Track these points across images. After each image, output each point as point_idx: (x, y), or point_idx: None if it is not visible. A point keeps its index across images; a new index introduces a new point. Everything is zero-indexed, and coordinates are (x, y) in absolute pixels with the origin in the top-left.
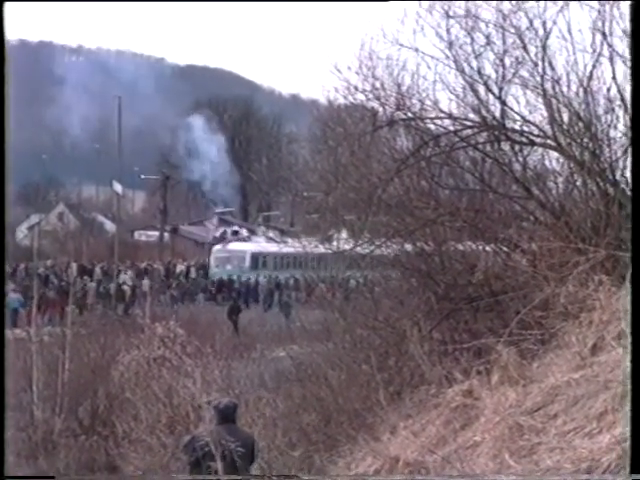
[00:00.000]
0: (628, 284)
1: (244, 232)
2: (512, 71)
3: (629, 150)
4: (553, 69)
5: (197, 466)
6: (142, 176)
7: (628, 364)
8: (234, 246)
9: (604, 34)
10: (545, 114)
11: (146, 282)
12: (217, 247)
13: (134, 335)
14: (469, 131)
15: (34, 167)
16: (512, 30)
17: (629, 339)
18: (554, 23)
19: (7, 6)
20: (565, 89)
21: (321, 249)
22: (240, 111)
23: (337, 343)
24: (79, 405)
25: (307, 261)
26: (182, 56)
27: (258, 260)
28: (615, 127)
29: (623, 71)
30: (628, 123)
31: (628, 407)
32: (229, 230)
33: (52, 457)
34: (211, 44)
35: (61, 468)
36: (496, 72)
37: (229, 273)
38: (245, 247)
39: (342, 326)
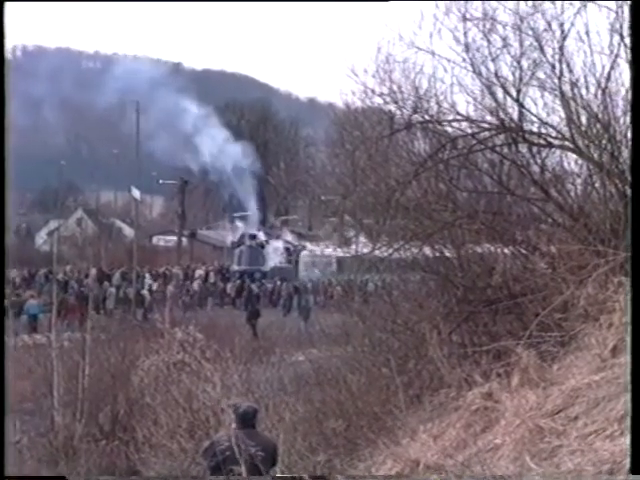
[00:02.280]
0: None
1: (262, 236)
2: (529, 73)
3: None
4: (571, 71)
5: (217, 471)
6: (160, 181)
7: None
8: (320, 251)
9: (622, 35)
10: (563, 116)
11: (170, 287)
12: (304, 252)
13: (154, 340)
14: (487, 133)
15: (53, 173)
16: (529, 32)
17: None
18: (572, 25)
19: (23, 13)
20: (583, 91)
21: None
22: (257, 115)
23: (356, 347)
24: (99, 410)
25: (379, 264)
26: (199, 61)
27: (343, 264)
28: None
29: None
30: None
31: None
32: (247, 234)
33: (73, 462)
34: (227, 48)
35: (82, 473)
36: (513, 74)
37: (317, 277)
38: (331, 252)
39: (361, 329)
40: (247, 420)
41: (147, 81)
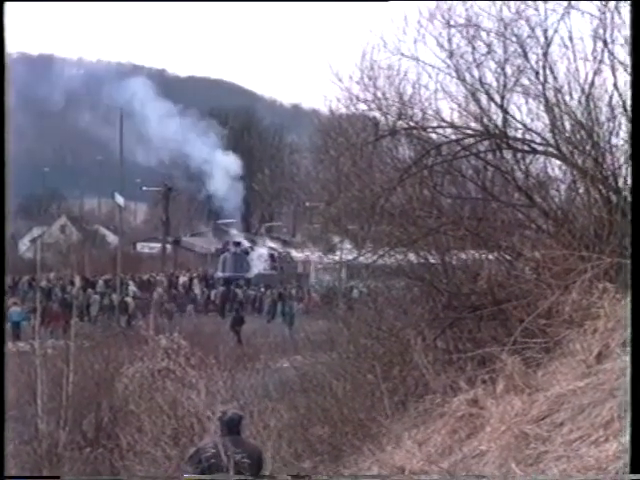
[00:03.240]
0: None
1: (246, 243)
2: (513, 79)
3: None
4: (555, 77)
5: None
6: (144, 188)
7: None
8: (330, 258)
9: (605, 42)
10: (547, 122)
11: (157, 293)
12: (315, 259)
13: (138, 347)
14: (471, 140)
15: (36, 180)
16: (513, 39)
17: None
18: (555, 31)
19: (7, 19)
20: (567, 97)
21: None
22: (241, 122)
23: (341, 353)
24: (83, 418)
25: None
26: (183, 67)
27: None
28: (617, 134)
29: (624, 79)
30: (630, 130)
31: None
32: (231, 241)
33: (57, 470)
34: (212, 55)
35: None
36: (497, 81)
37: (328, 283)
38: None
39: (346, 336)
40: (232, 427)
41: (131, 88)
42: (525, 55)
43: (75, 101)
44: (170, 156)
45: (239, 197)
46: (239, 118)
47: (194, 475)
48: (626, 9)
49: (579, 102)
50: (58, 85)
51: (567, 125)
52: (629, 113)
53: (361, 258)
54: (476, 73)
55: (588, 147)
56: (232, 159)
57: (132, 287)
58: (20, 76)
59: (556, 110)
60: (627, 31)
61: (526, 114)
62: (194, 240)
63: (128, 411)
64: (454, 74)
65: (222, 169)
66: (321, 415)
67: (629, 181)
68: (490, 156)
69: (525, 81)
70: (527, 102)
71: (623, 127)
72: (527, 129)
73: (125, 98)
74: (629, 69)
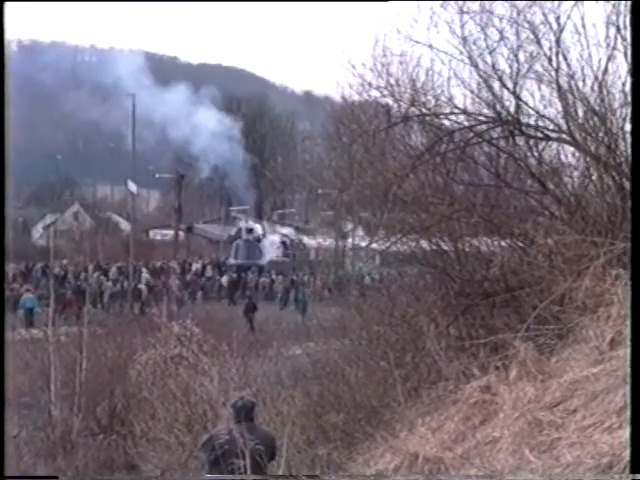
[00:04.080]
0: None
1: (259, 230)
2: (526, 66)
3: None
4: (568, 64)
5: (216, 464)
6: (156, 175)
7: None
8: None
9: (618, 28)
10: (560, 108)
11: (169, 281)
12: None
13: (151, 334)
14: (484, 126)
15: (49, 167)
16: (526, 25)
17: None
18: (568, 17)
19: (18, 7)
20: (580, 83)
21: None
22: (253, 109)
23: (353, 340)
24: (97, 404)
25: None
26: (195, 54)
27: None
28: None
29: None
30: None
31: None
32: (244, 228)
33: (71, 456)
34: (224, 42)
35: (80, 467)
36: (510, 67)
37: (362, 270)
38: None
39: (358, 323)
40: (245, 414)
41: (143, 74)
42: (538, 42)
43: (86, 89)
44: (183, 143)
45: (252, 184)
46: (251, 105)
47: (216, 476)
48: None
49: (592, 89)
50: (69, 72)
51: (580, 112)
52: None
53: (373, 245)
54: (489, 59)
55: (601, 134)
56: (245, 146)
57: (145, 274)
58: (31, 64)
59: (569, 96)
60: None
61: (539, 100)
62: (207, 227)
63: (141, 398)
64: (467, 61)
65: (235, 156)
66: (334, 402)
67: None
68: (503, 143)
69: (538, 67)
70: (540, 88)
71: None
72: (540, 116)
73: (137, 85)
74: None
